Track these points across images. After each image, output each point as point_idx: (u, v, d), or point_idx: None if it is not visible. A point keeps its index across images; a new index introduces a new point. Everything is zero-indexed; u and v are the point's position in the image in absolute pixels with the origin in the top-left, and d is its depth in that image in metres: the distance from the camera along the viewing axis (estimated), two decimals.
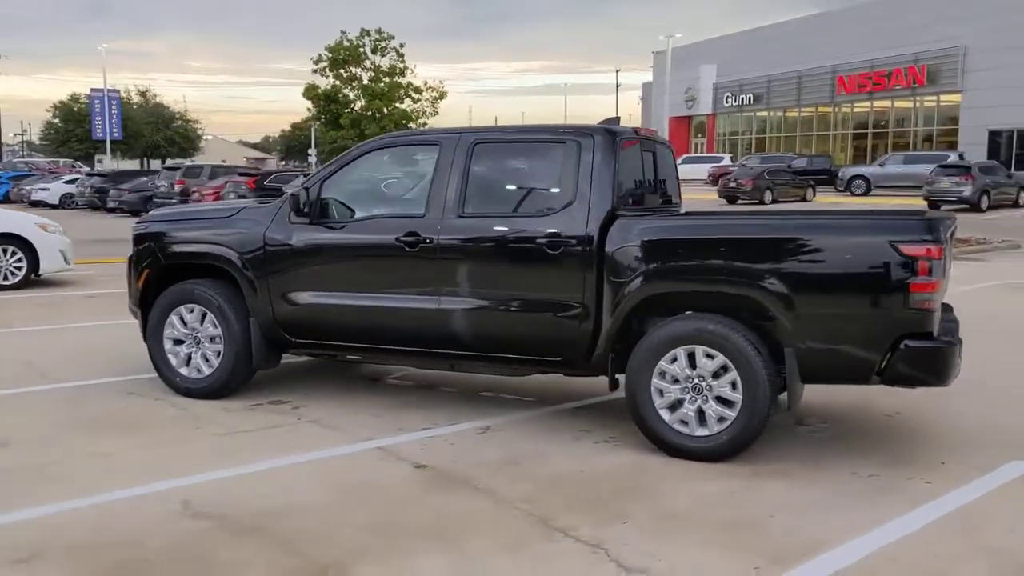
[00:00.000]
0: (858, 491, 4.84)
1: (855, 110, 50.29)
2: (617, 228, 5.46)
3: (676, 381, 5.30)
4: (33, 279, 12.58)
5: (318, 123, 57.77)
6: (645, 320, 5.55)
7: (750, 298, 5.15)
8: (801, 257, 5.05)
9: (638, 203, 6.02)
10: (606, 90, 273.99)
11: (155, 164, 73.32)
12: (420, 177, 6.20)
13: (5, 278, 12.32)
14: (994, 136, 41.38)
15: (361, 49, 52.52)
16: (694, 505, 4.63)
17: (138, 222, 7.00)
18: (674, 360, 5.29)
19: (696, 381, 5.25)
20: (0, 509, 4.43)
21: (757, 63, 53.60)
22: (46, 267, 12.62)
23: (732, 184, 35.80)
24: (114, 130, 57.45)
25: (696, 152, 57.01)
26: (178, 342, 6.59)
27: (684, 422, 5.29)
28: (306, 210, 6.13)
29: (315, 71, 52.56)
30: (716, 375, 5.20)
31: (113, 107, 56.95)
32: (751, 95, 55.76)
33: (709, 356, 5.20)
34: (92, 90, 60.13)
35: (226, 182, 29.17)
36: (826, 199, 36.43)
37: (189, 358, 6.57)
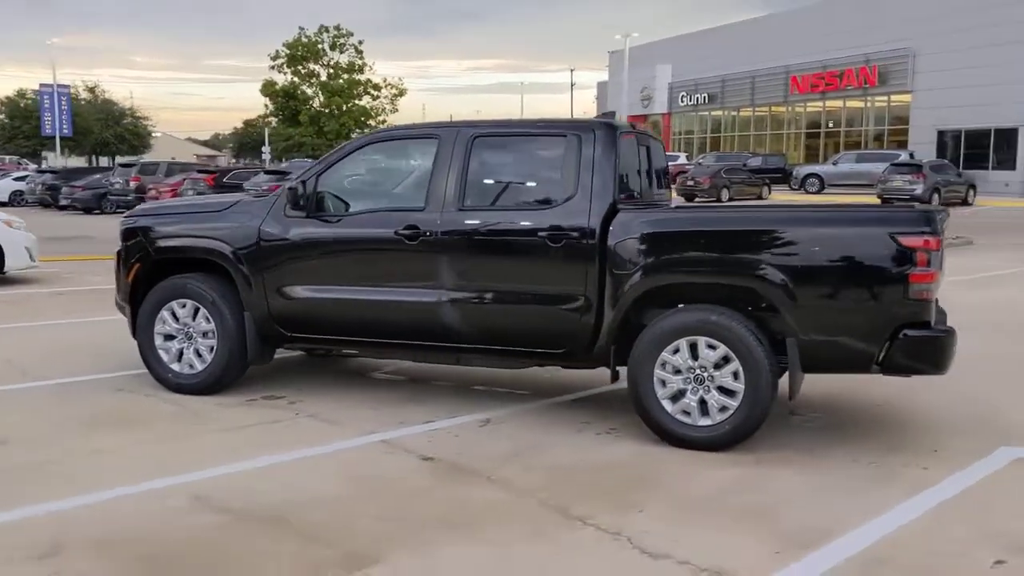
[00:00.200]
0: (860, 478, 4.95)
1: (808, 109, 51.09)
2: (619, 221, 5.51)
3: (678, 372, 5.37)
4: None
5: (276, 120, 57.23)
6: (644, 312, 5.61)
7: (752, 290, 5.24)
8: (803, 249, 5.15)
9: (634, 196, 6.09)
10: (559, 89, 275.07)
11: (103, 161, 72.03)
12: (419, 171, 6.20)
13: None
14: (942, 136, 42.32)
15: (320, 46, 52.20)
16: (705, 493, 4.71)
17: (126, 216, 6.90)
18: (676, 351, 5.36)
19: (698, 372, 5.33)
20: (10, 506, 4.35)
21: (712, 63, 54.20)
22: (12, 264, 12.36)
23: (690, 182, 36.21)
24: (64, 127, 56.26)
25: None
26: (169, 337, 6.51)
27: (686, 412, 5.37)
28: (303, 204, 6.10)
29: (273, 67, 52.19)
30: (718, 365, 5.28)
31: (63, 103, 55.78)
32: (706, 95, 56.36)
33: (711, 347, 5.28)
34: (41, 85, 58.87)
35: (184, 179, 28.85)
36: (782, 197, 36.98)
37: (181, 354, 6.49)
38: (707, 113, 57.03)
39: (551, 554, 3.94)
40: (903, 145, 43.22)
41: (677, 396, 5.39)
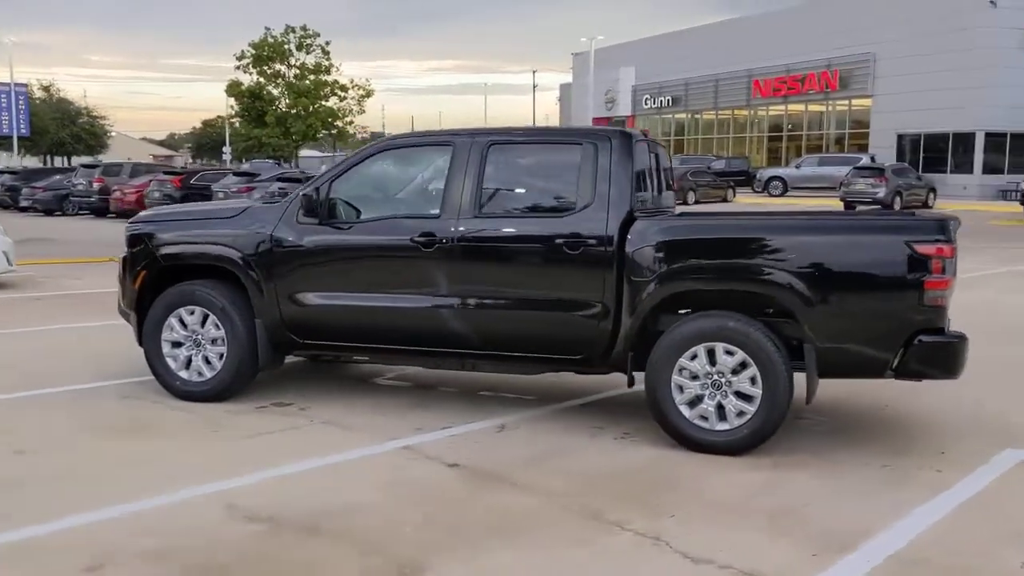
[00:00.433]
0: (877, 480, 5.07)
1: (770, 113, 51.74)
2: (637, 228, 5.59)
3: (695, 377, 5.46)
4: None
5: (240, 120, 56.62)
6: (658, 318, 5.69)
7: (770, 296, 5.34)
8: (821, 256, 5.26)
9: (646, 203, 6.16)
10: (519, 91, 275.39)
11: (58, 162, 70.75)
12: (433, 178, 6.23)
13: None
14: (902, 139, 43.10)
15: (286, 46, 51.77)
16: (730, 497, 4.79)
17: (132, 223, 6.83)
18: (694, 357, 5.44)
19: (716, 377, 5.42)
20: (45, 518, 4.31)
21: (676, 66, 54.67)
22: None
23: None
24: (22, 126, 55.17)
25: None
26: (176, 344, 6.47)
27: (704, 417, 5.45)
28: (316, 210, 6.09)
29: (238, 67, 51.64)
30: (735, 371, 5.37)
31: (20, 102, 54.66)
32: (670, 97, 56.84)
33: (729, 352, 5.37)
34: None
35: (150, 180, 28.42)
36: (746, 200, 37.44)
37: (189, 361, 6.45)
38: (671, 116, 57.53)
39: (596, 560, 4.00)
40: (864, 149, 43.93)
41: (695, 401, 5.47)
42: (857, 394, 6.73)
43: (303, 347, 6.37)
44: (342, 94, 52.77)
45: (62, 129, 71.63)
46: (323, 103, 52.13)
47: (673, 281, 5.50)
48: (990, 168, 40.29)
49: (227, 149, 71.61)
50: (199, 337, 6.40)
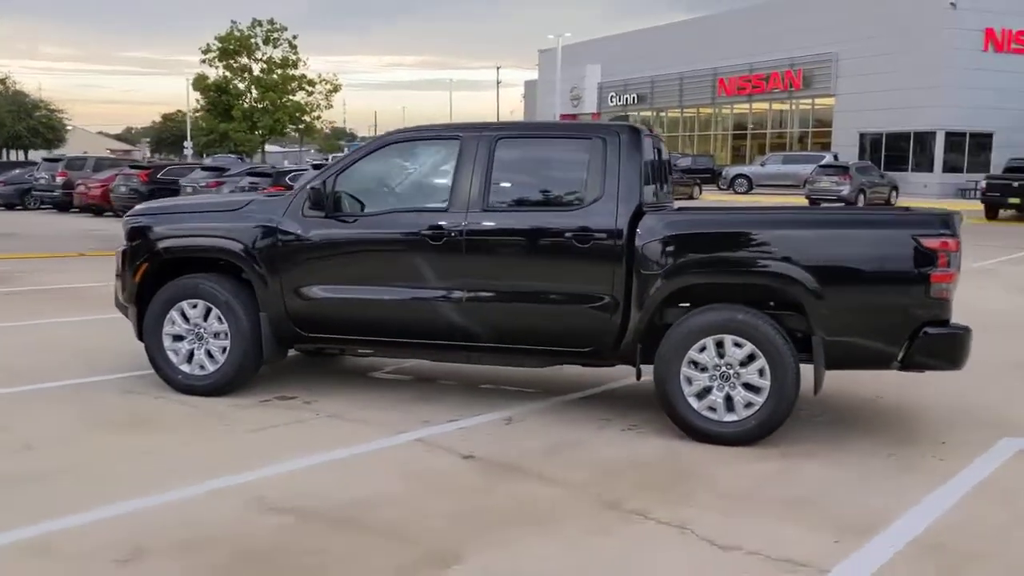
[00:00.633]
0: (884, 469, 5.18)
1: (735, 111, 52.23)
2: (646, 222, 5.65)
3: (704, 369, 5.54)
4: None
5: (207, 114, 55.89)
6: (664, 311, 5.76)
7: (780, 290, 5.43)
8: (830, 250, 5.37)
9: (651, 197, 6.22)
10: (481, 87, 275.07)
11: (14, 156, 69.35)
12: (440, 171, 6.24)
13: None
14: (864, 138, 43.73)
15: (252, 40, 51.20)
16: (744, 486, 4.87)
17: (131, 215, 6.76)
18: (703, 349, 5.52)
19: (724, 369, 5.50)
20: (71, 510, 4.28)
21: (641, 64, 55.00)
22: None
23: None
24: None
25: None
26: (178, 338, 6.42)
27: (712, 409, 5.53)
28: (322, 203, 6.08)
29: (204, 61, 51.01)
30: (744, 363, 5.46)
31: None
32: (635, 95, 57.18)
33: (738, 345, 5.45)
34: None
35: (115, 175, 27.98)
36: (712, 197, 37.76)
37: (190, 355, 6.40)
38: (636, 113, 57.79)
39: (626, 548, 4.05)
40: (827, 147, 44.52)
41: (703, 393, 5.55)
42: (849, 386, 6.85)
43: (307, 340, 6.35)
44: (309, 88, 52.35)
45: (18, 122, 70.24)
46: (290, 98, 51.64)
47: (683, 275, 5.57)
48: (950, 167, 41.02)
49: (188, 144, 70.79)
50: (201, 331, 6.35)
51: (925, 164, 41.70)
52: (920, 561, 3.95)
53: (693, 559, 3.94)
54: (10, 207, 30.76)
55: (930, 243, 5.22)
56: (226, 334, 6.29)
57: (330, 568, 3.79)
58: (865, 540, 4.15)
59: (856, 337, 5.37)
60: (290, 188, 22.59)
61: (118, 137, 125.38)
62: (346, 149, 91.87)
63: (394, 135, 6.46)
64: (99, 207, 27.47)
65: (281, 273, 6.17)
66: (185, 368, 6.41)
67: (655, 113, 56.66)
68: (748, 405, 5.47)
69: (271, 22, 51.69)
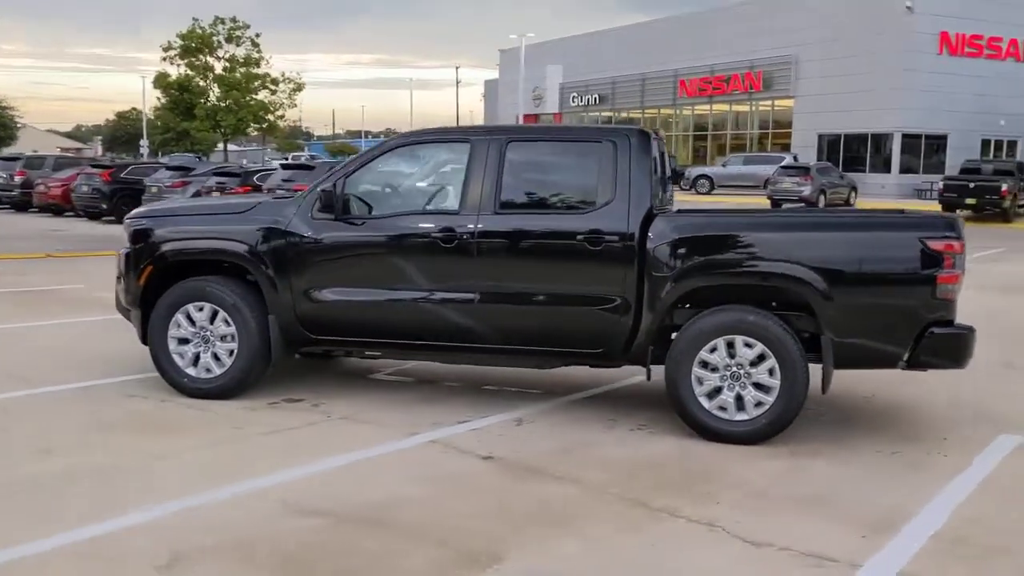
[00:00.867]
0: (892, 466, 5.32)
1: (695, 112, 52.72)
2: (658, 225, 5.74)
3: (715, 370, 5.64)
4: None
5: (168, 112, 55.02)
6: (673, 312, 5.85)
7: (789, 290, 5.55)
8: (839, 252, 5.49)
9: (659, 200, 6.31)
10: (437, 86, 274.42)
11: None
12: (451, 174, 6.28)
13: None
14: (823, 139, 44.41)
15: (215, 37, 50.53)
16: (763, 484, 4.98)
17: (134, 218, 6.69)
18: (714, 350, 5.62)
19: (735, 369, 5.60)
20: (101, 516, 4.26)
21: (603, 65, 55.30)
22: None
23: None
24: None
25: None
26: (183, 341, 6.38)
27: (723, 408, 5.64)
28: (333, 206, 6.08)
29: (165, 59, 50.24)
30: (754, 363, 5.57)
31: None
32: (597, 95, 57.45)
33: (748, 345, 5.56)
34: None
35: (76, 174, 27.52)
36: (677, 197, 38.05)
37: (196, 358, 6.37)
38: (598, 114, 58.11)
39: (661, 546, 4.13)
40: (786, 148, 45.10)
41: (713, 393, 5.65)
42: (842, 385, 6.97)
43: (316, 343, 6.34)
44: (273, 87, 51.80)
45: None
46: (254, 96, 51.04)
47: (694, 277, 5.67)
48: (905, 168, 41.82)
49: (144, 142, 69.78)
50: (208, 334, 6.32)
51: (882, 165, 42.47)
52: (946, 555, 4.07)
53: (729, 556, 4.02)
54: None
55: (936, 245, 5.37)
56: (233, 337, 6.26)
57: (372, 569, 3.82)
58: (889, 535, 4.26)
59: (864, 337, 5.50)
60: (259, 188, 22.48)
61: (68, 135, 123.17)
62: (306, 148, 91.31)
63: (403, 138, 6.49)
64: (59, 207, 27.01)
65: (290, 275, 6.16)
66: (191, 371, 6.38)
67: (616, 114, 56.99)
68: (758, 404, 5.58)
69: (234, 20, 51.13)
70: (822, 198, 33.11)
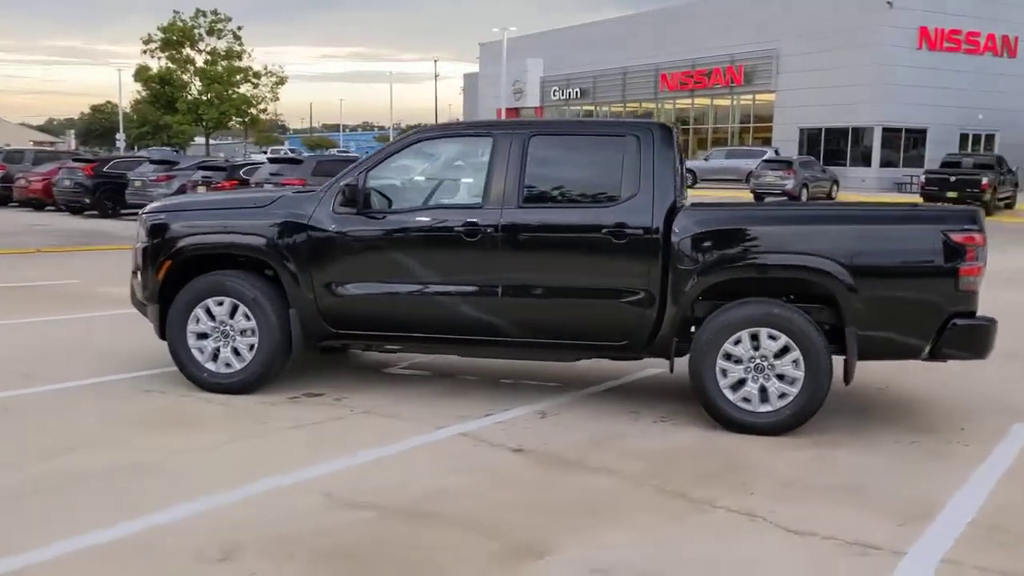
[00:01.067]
0: (914, 455, 5.40)
1: (677, 106, 52.88)
2: (682, 218, 5.78)
3: (739, 362, 5.69)
4: None
5: (148, 106, 54.47)
6: (695, 305, 5.90)
7: (815, 283, 5.60)
8: (864, 244, 5.56)
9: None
10: (415, 79, 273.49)
11: None
12: (472, 168, 6.29)
13: None
14: (804, 133, 44.70)
15: (196, 30, 50.05)
16: (793, 475, 5.03)
17: (152, 212, 6.64)
18: (738, 342, 5.67)
19: (759, 361, 5.66)
20: (145, 510, 4.25)
21: (584, 58, 55.32)
22: None
23: None
24: None
25: None
26: (202, 336, 6.36)
27: (747, 400, 5.69)
28: (356, 200, 6.08)
29: (145, 51, 49.72)
30: (778, 355, 5.62)
31: None
32: (578, 89, 57.47)
33: (772, 337, 5.62)
34: None
35: (58, 168, 27.24)
36: None
37: (216, 352, 6.35)
38: (579, 108, 58.17)
39: (707, 536, 4.17)
40: (767, 142, 45.32)
41: (737, 385, 5.70)
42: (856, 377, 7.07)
43: (338, 337, 6.34)
44: (255, 81, 51.39)
45: None
46: (236, 90, 50.60)
47: (720, 270, 5.71)
48: (885, 162, 42.17)
49: (121, 136, 69.23)
50: (227, 328, 6.30)
51: (862, 159, 42.81)
52: (984, 542, 4.14)
53: (776, 546, 4.07)
54: None
55: (958, 238, 5.44)
56: (253, 331, 6.25)
57: (430, 562, 3.83)
58: (924, 524, 4.33)
59: (888, 329, 5.57)
60: (245, 182, 22.35)
61: (41, 128, 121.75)
62: (286, 143, 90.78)
63: (424, 132, 6.49)
64: (40, 201, 26.78)
65: (312, 269, 6.15)
66: (211, 366, 6.36)
67: (598, 107, 57.08)
68: (782, 396, 5.64)
69: (215, 12, 50.59)
70: (805, 192, 33.33)
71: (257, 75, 51.34)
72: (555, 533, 4.14)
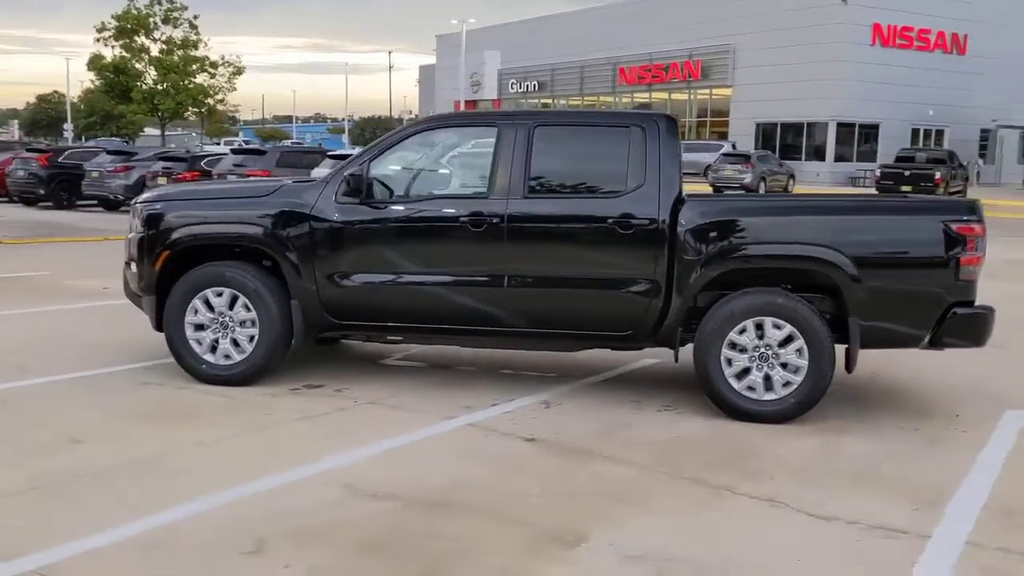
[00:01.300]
0: (918, 442, 5.51)
1: (635, 100, 53.19)
2: (687, 209, 5.83)
3: (743, 351, 5.75)
4: None
5: (102, 95, 53.30)
6: (698, 295, 5.95)
7: (819, 273, 5.69)
8: (867, 235, 5.65)
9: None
10: (367, 71, 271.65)
11: None
12: (477, 158, 6.27)
13: None
14: (760, 127, 45.28)
15: (151, 19, 49.03)
16: (803, 461, 5.11)
17: (147, 201, 6.51)
18: (743, 331, 5.74)
19: (763, 350, 5.73)
20: (168, 502, 4.19)
21: (542, 51, 55.42)
22: None
23: None
24: None
25: None
26: (200, 327, 6.27)
27: (751, 388, 5.76)
28: (360, 190, 6.03)
29: (98, 40, 48.59)
30: (782, 344, 5.70)
31: None
32: (536, 82, 57.59)
33: (777, 327, 5.69)
34: None
35: (12, 158, 26.61)
36: None
37: (214, 344, 6.26)
38: (537, 100, 58.26)
39: (735, 522, 4.22)
40: (724, 136, 45.87)
41: (742, 374, 5.77)
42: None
43: (339, 328, 6.29)
44: (212, 71, 50.52)
45: None
46: (193, 80, 49.71)
47: (724, 260, 5.77)
48: (839, 156, 42.93)
49: (68, 126, 67.81)
50: (226, 319, 6.22)
51: (815, 153, 43.51)
52: (1003, 524, 4.24)
53: (804, 531, 4.13)
54: None
55: (960, 228, 5.56)
56: (254, 322, 6.17)
57: (462, 551, 3.82)
58: (940, 508, 4.42)
59: (891, 318, 5.67)
60: (207, 174, 22.02)
61: None
62: (240, 134, 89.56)
63: (428, 122, 6.46)
64: None
65: (315, 260, 6.09)
66: (209, 358, 6.27)
67: (556, 101, 57.20)
68: (786, 384, 5.71)
69: (171, 0, 49.57)
70: (762, 185, 33.82)
71: (214, 65, 50.54)
72: (584, 520, 4.15)
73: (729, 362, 5.76)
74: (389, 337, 6.49)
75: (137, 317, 6.89)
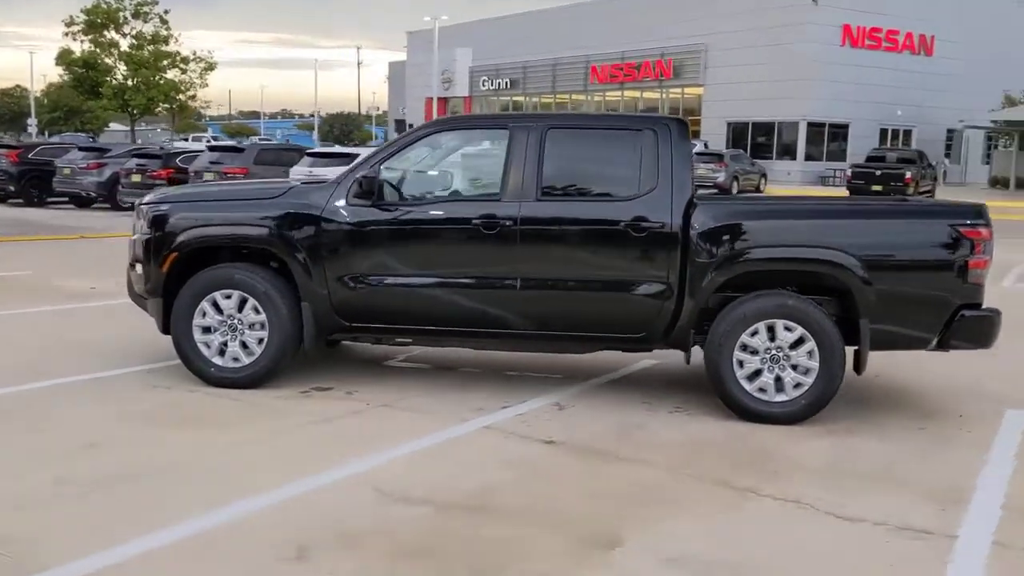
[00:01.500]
0: (925, 442, 5.59)
1: (607, 98, 53.41)
2: (699, 212, 5.87)
3: (755, 353, 5.81)
4: None
5: (71, 91, 52.43)
6: (710, 297, 6.00)
7: (830, 276, 5.76)
8: (878, 238, 5.74)
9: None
10: (336, 66, 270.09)
11: None
12: (489, 161, 6.28)
13: None
14: (731, 127, 45.65)
15: (121, 13, 48.30)
16: (819, 462, 5.18)
17: (154, 203, 6.44)
18: (755, 333, 5.80)
19: (774, 352, 5.79)
20: (203, 508, 4.17)
21: (514, 49, 55.45)
22: None
23: None
24: None
25: None
26: (208, 330, 6.22)
27: (763, 390, 5.82)
28: (371, 192, 6.01)
29: (67, 34, 47.75)
30: (793, 346, 5.77)
31: None
32: (507, 80, 57.60)
33: (788, 329, 5.75)
34: None
35: None
36: None
37: (223, 347, 6.21)
38: (508, 98, 58.28)
39: (764, 524, 4.27)
40: (696, 135, 46.02)
41: (753, 375, 5.83)
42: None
43: (350, 330, 6.27)
44: (183, 66, 49.89)
45: None
46: (163, 75, 49.05)
47: (737, 263, 5.82)
48: (810, 156, 43.40)
49: (32, 121, 66.72)
50: (235, 322, 6.18)
51: (785, 152, 43.95)
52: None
53: (834, 533, 4.18)
54: None
55: (968, 232, 5.65)
56: (263, 325, 6.14)
57: (504, 555, 3.84)
58: (962, 507, 4.50)
59: (900, 321, 5.76)
60: (183, 171, 21.78)
61: None
62: (209, 130, 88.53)
63: (439, 125, 6.45)
64: None
65: (325, 262, 6.07)
66: (218, 361, 6.22)
67: (528, 98, 57.24)
68: (797, 386, 5.78)
69: None
70: (735, 184, 34.12)
71: (185, 60, 49.93)
72: (618, 523, 4.18)
73: (741, 364, 5.82)
74: (399, 339, 6.47)
75: (132, 317, 6.85)
